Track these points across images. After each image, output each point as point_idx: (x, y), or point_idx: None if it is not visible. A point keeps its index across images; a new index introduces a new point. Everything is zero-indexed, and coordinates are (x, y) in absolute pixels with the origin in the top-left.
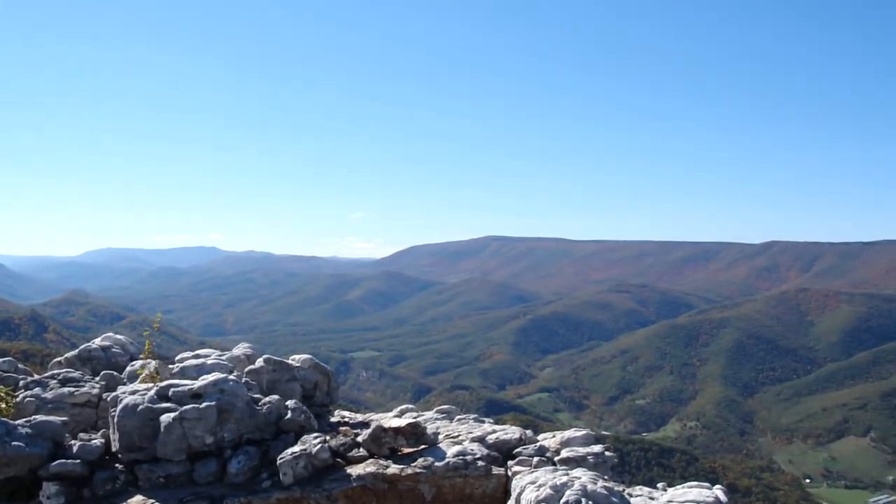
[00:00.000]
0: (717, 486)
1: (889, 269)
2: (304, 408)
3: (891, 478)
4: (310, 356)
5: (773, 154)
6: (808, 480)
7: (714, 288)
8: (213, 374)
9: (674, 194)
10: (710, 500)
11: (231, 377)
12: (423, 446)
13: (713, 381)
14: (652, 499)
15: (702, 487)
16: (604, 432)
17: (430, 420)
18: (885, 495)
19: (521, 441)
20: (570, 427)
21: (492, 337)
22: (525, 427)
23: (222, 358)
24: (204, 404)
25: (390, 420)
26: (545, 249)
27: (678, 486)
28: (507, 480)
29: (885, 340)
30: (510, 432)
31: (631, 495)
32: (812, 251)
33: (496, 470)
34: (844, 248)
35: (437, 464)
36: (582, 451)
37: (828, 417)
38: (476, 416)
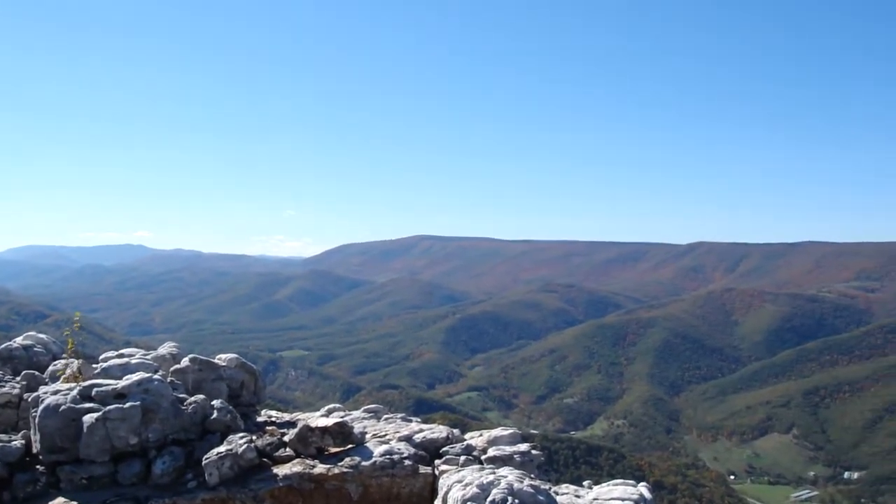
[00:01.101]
0: (642, 484)
1: (812, 269)
2: (231, 407)
3: (812, 473)
4: (236, 355)
5: (699, 155)
6: (732, 477)
7: (641, 288)
8: (138, 373)
9: (601, 195)
10: (635, 497)
11: (156, 377)
12: (350, 446)
13: (640, 379)
14: (578, 497)
15: (627, 485)
16: (532, 431)
17: (358, 419)
18: (807, 490)
19: (448, 440)
20: (498, 426)
21: (421, 336)
22: (454, 426)
23: (147, 357)
24: (128, 404)
25: (317, 419)
26: (475, 249)
27: (604, 484)
28: (435, 479)
29: (807, 339)
30: (437, 431)
31: (557, 493)
32: (737, 252)
33: (423, 469)
34: (768, 248)
35: (363, 463)
36: (509, 449)
37: (752, 415)
38: (404, 415)
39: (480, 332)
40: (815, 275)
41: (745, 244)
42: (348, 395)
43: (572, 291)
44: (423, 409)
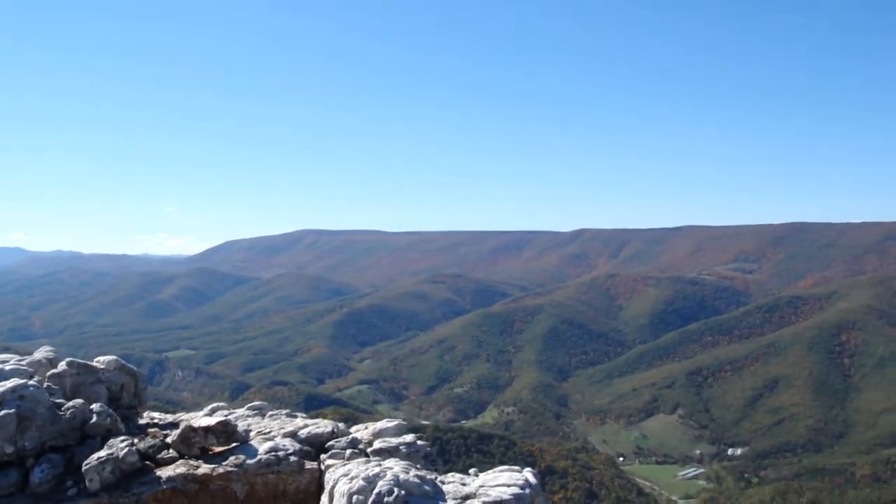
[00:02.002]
0: (528, 469)
1: (692, 252)
2: (111, 411)
3: (698, 451)
4: (115, 357)
5: (578, 143)
6: (621, 458)
7: (527, 276)
8: (12, 379)
9: (486, 185)
10: (521, 482)
11: (31, 382)
12: (234, 444)
13: (529, 366)
14: (464, 485)
15: (512, 471)
16: (423, 422)
17: (242, 417)
18: (693, 468)
19: (333, 434)
20: (388, 418)
21: (309, 331)
22: (345, 420)
23: (22, 363)
24: (2, 412)
25: (200, 419)
26: (361, 242)
27: (489, 471)
28: (321, 475)
29: (689, 321)
30: (322, 426)
31: (443, 483)
32: (620, 238)
33: (309, 464)
34: (650, 234)
35: (248, 461)
36: (394, 441)
37: (638, 397)
38: (289, 411)
39: (368, 325)
40: (696, 258)
41: (628, 230)
42: (237, 394)
43: (459, 281)
44: (314, 405)
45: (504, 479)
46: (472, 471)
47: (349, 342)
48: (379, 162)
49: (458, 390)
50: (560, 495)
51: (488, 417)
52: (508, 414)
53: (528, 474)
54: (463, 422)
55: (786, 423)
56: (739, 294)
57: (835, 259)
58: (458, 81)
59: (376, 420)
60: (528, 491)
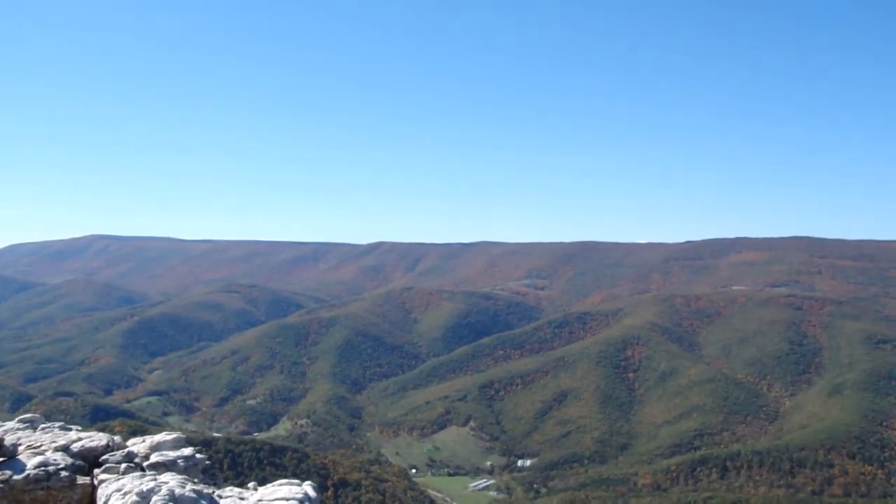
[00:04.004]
0: (307, 483)
1: (486, 268)
2: None
3: (489, 463)
4: None
5: (375, 155)
6: (414, 470)
7: (323, 288)
8: None
9: (282, 194)
10: (300, 496)
11: None
12: (0, 459)
13: (323, 378)
14: (242, 499)
15: (292, 485)
16: (215, 434)
17: (11, 431)
18: (484, 480)
19: (108, 448)
20: (178, 430)
21: (98, 340)
22: (133, 433)
23: None
24: None
25: None
26: (154, 249)
27: (269, 485)
28: (94, 490)
29: (482, 335)
30: (97, 439)
31: (221, 497)
32: (416, 251)
33: (81, 479)
34: (446, 248)
35: (15, 477)
36: (172, 454)
37: (431, 410)
38: (63, 423)
39: (160, 335)
40: (490, 273)
41: (424, 244)
42: (18, 405)
43: (254, 291)
44: (101, 417)
45: (283, 492)
46: (251, 485)
47: (139, 352)
48: (173, 168)
49: (251, 402)
50: None
51: (281, 430)
52: (302, 426)
53: (307, 488)
54: (255, 434)
55: (573, 434)
56: (531, 309)
57: (622, 277)
58: (254, 86)
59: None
60: None
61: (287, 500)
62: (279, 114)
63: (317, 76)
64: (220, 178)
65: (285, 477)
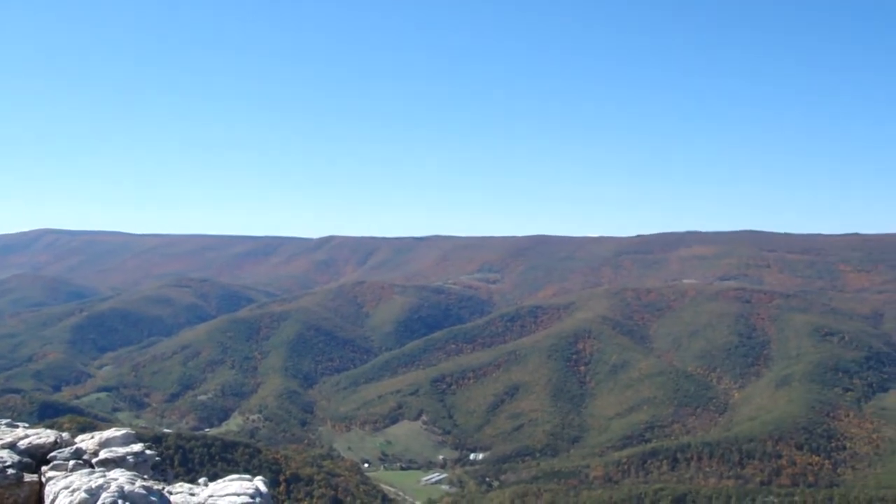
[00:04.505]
0: (259, 478)
1: (438, 262)
2: None
3: (441, 457)
4: None
5: (326, 149)
6: (366, 465)
7: (275, 282)
8: None
9: (233, 188)
10: (251, 491)
11: None
12: None
13: (274, 373)
14: (193, 495)
15: (243, 480)
16: (165, 430)
17: None
18: (436, 473)
19: (56, 444)
20: (128, 426)
21: (46, 335)
22: (83, 429)
23: None
24: None
25: None
26: (104, 243)
27: (219, 481)
28: (41, 487)
29: (434, 329)
30: (44, 436)
31: (171, 493)
32: (368, 246)
33: (29, 477)
34: (398, 242)
35: None
36: (121, 451)
37: (383, 404)
38: (10, 420)
39: (110, 330)
40: (442, 267)
41: (376, 238)
42: None
43: (206, 286)
44: (49, 413)
45: (234, 488)
46: (201, 480)
47: (89, 347)
48: (123, 161)
49: (203, 397)
50: (305, 502)
51: (233, 425)
52: (254, 421)
53: (258, 483)
54: (207, 430)
55: (525, 428)
56: (483, 303)
57: (573, 271)
58: (205, 78)
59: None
60: (258, 500)
61: (238, 495)
62: (230, 108)
63: (267, 68)
64: (170, 172)
65: (237, 472)
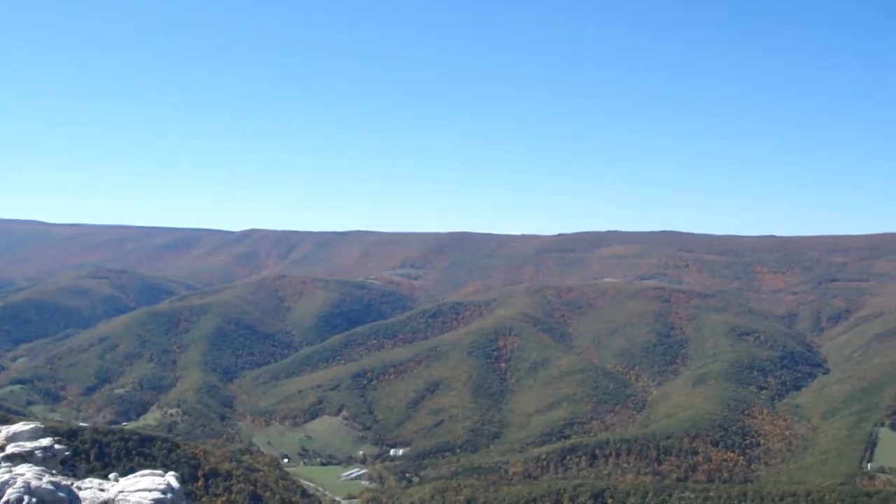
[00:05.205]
0: (171, 473)
1: (360, 257)
2: None
3: (362, 452)
4: None
5: (249, 142)
6: (286, 460)
7: (195, 275)
8: None
9: (153, 179)
10: (162, 487)
11: None
12: None
13: (194, 367)
14: (103, 490)
15: (154, 475)
16: (81, 424)
17: None
18: (356, 469)
19: None
20: (41, 420)
21: None
22: None
23: None
24: None
25: None
26: (19, 232)
27: (130, 476)
28: None
29: (356, 324)
30: None
31: (80, 489)
32: (290, 239)
33: None
34: (320, 236)
35: None
36: (29, 445)
37: (304, 399)
38: None
39: (24, 321)
40: (364, 263)
41: (298, 232)
42: None
43: (124, 277)
44: None
45: (145, 483)
46: (111, 475)
47: (2, 339)
48: (39, 148)
49: (120, 391)
50: (224, 498)
51: (151, 419)
52: (172, 415)
53: (170, 478)
54: (124, 424)
55: (446, 424)
56: (405, 299)
57: (495, 268)
58: (123, 68)
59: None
60: (169, 496)
61: (149, 490)
62: (150, 97)
63: (188, 56)
64: (88, 160)
65: (154, 468)
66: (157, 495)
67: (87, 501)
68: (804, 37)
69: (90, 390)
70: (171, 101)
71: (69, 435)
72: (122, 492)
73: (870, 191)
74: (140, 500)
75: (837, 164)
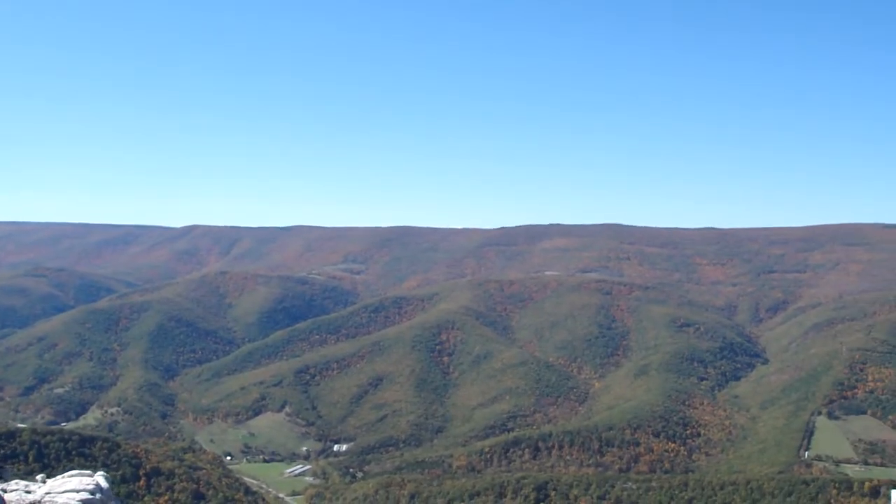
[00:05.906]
0: (100, 473)
1: (302, 252)
2: None
3: (305, 448)
4: None
5: (188, 137)
6: (229, 458)
7: (135, 272)
8: None
9: (90, 174)
10: (91, 487)
11: None
12: None
13: (134, 365)
14: (29, 492)
15: (83, 475)
16: (20, 425)
17: None
18: (300, 465)
19: None
20: None
21: None
22: None
23: None
24: None
25: None
26: None
27: (58, 477)
28: None
29: (298, 320)
30: None
31: (6, 490)
32: (232, 235)
33: None
34: (262, 232)
35: None
36: None
37: (246, 396)
38: None
39: None
40: (306, 258)
41: (239, 228)
42: None
43: (62, 275)
44: None
45: (73, 484)
46: (39, 477)
47: None
48: None
49: (59, 390)
50: (166, 497)
51: (91, 419)
52: (113, 415)
53: (99, 478)
54: (64, 424)
55: (389, 418)
56: (347, 294)
57: (437, 262)
58: (72, 59)
59: None
60: (98, 496)
61: (77, 491)
62: (90, 90)
63: (134, 52)
64: (22, 157)
65: (95, 468)
66: (86, 496)
67: None
68: (744, 27)
69: (28, 390)
70: (110, 96)
71: (7, 437)
72: (48, 493)
73: (807, 184)
74: (67, 500)
75: (775, 157)
